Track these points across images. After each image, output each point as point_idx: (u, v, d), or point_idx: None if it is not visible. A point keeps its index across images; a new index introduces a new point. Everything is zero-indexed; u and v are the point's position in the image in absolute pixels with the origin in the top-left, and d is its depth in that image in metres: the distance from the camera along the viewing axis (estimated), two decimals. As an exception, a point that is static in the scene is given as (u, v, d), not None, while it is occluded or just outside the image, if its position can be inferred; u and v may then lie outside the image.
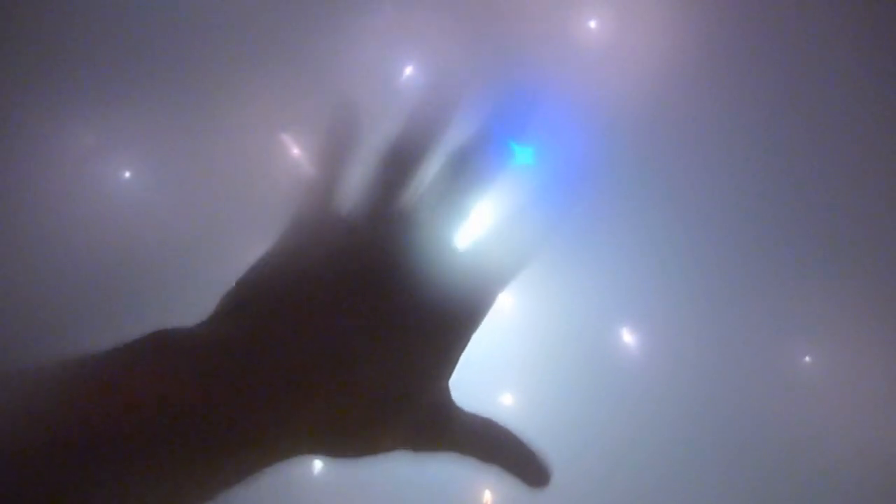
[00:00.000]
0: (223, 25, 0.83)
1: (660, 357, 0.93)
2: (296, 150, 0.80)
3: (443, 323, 0.35)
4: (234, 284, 0.34)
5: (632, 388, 0.93)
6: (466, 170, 0.38)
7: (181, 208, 0.82)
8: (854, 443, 0.90)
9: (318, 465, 0.92)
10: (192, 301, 0.84)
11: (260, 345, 0.31)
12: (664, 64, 0.91)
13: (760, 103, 0.91)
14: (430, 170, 0.39)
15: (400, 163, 0.38)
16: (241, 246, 0.71)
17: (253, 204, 0.73)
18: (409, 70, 0.78)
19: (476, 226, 0.39)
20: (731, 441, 0.92)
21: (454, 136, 0.40)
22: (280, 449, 0.31)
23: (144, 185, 0.82)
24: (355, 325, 0.33)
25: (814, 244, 0.89)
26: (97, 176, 0.82)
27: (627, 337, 0.93)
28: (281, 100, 0.79)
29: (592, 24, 0.90)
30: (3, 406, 0.26)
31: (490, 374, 0.92)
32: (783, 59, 0.90)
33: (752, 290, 0.90)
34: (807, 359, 0.90)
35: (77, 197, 0.82)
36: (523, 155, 0.40)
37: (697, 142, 0.94)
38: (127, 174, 0.79)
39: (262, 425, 0.30)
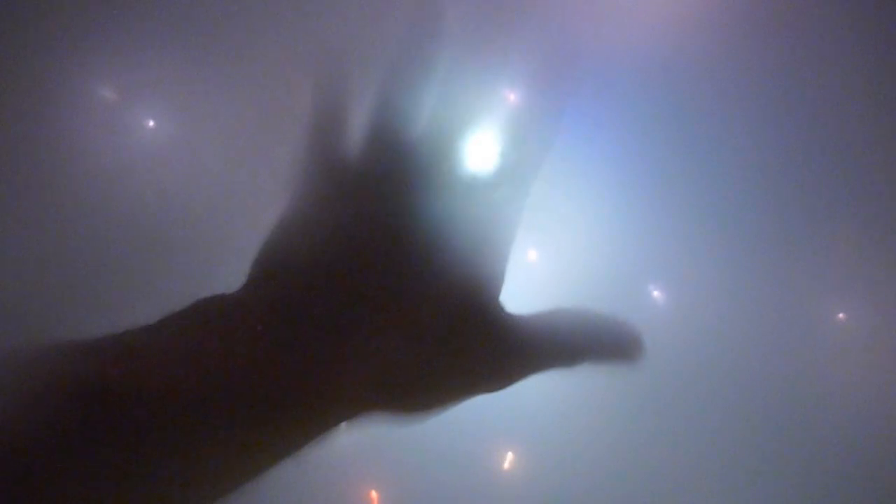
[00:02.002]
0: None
1: (688, 315, 0.92)
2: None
3: (477, 242, 0.34)
4: (262, 247, 0.33)
5: (660, 346, 0.92)
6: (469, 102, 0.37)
7: (206, 157, 0.81)
8: (890, 403, 0.88)
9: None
10: (219, 248, 0.83)
11: (305, 302, 0.31)
12: (694, 8, 0.89)
13: (798, 55, 0.90)
14: (432, 96, 0.37)
15: (398, 97, 0.37)
16: (268, 194, 0.70)
17: (279, 151, 0.72)
18: None
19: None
20: (762, 401, 0.91)
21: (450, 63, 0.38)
22: (343, 405, 0.30)
23: (169, 134, 0.81)
24: (395, 273, 0.32)
25: (846, 195, 0.88)
26: (121, 125, 0.82)
27: (656, 294, 0.91)
28: (310, 42, 0.78)
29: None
30: (57, 377, 0.26)
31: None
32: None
33: (783, 245, 0.89)
34: (840, 315, 0.89)
35: (101, 146, 0.81)
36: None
37: (728, 98, 0.92)
38: (151, 123, 0.78)
39: (324, 379, 0.29)
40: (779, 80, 0.90)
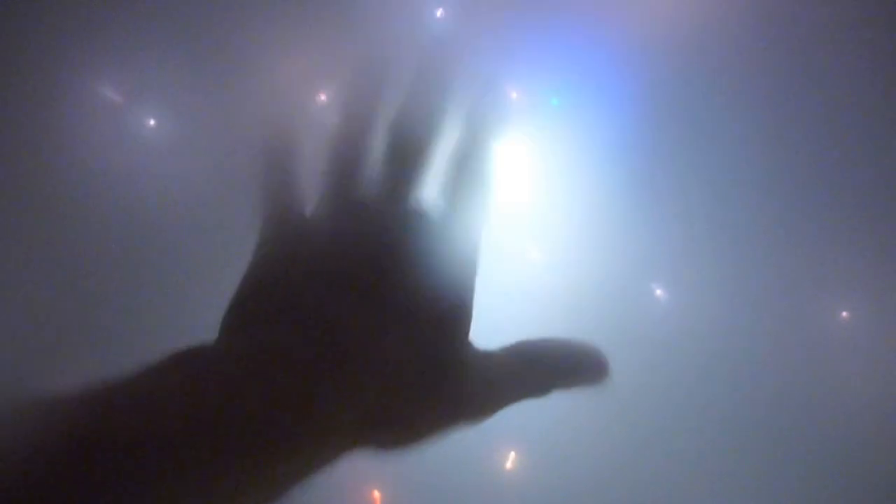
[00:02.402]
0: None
1: (691, 313, 0.92)
2: (322, 96, 0.79)
3: (448, 285, 0.35)
4: (234, 297, 0.34)
5: (663, 344, 0.92)
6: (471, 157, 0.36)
7: (205, 156, 0.81)
8: (893, 400, 0.88)
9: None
10: (219, 244, 0.84)
11: (280, 349, 0.31)
12: (705, 11, 0.89)
13: (801, 58, 0.89)
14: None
15: (354, 145, 0.36)
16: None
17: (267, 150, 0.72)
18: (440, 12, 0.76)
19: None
20: (765, 398, 0.90)
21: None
22: (329, 447, 0.31)
23: (169, 133, 0.81)
24: (372, 315, 0.32)
25: (850, 195, 0.87)
26: (123, 124, 0.82)
27: (659, 292, 0.91)
28: (306, 47, 0.78)
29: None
30: (34, 432, 0.26)
31: (521, 332, 0.91)
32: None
33: (787, 244, 0.89)
34: (843, 314, 0.88)
35: (103, 144, 0.81)
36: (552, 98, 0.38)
37: (732, 99, 0.92)
38: (152, 122, 0.78)
39: (304, 426, 0.29)
40: (783, 82, 0.89)
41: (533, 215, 0.92)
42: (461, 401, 0.33)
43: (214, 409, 0.28)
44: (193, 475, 0.27)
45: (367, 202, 0.34)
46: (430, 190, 0.35)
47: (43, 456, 0.25)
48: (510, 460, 0.98)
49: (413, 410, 0.31)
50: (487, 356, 0.34)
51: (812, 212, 0.89)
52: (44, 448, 0.25)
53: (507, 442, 0.99)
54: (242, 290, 0.33)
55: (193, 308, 0.86)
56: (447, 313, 0.33)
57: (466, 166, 0.35)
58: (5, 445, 0.25)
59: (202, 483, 0.27)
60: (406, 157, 0.35)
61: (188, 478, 0.26)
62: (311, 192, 0.35)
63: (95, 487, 0.25)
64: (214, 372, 0.30)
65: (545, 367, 0.35)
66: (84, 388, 0.28)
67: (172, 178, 0.80)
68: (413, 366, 0.31)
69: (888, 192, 0.87)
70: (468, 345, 0.34)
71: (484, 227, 0.36)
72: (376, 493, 0.95)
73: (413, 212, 0.34)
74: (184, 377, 0.29)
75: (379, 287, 0.32)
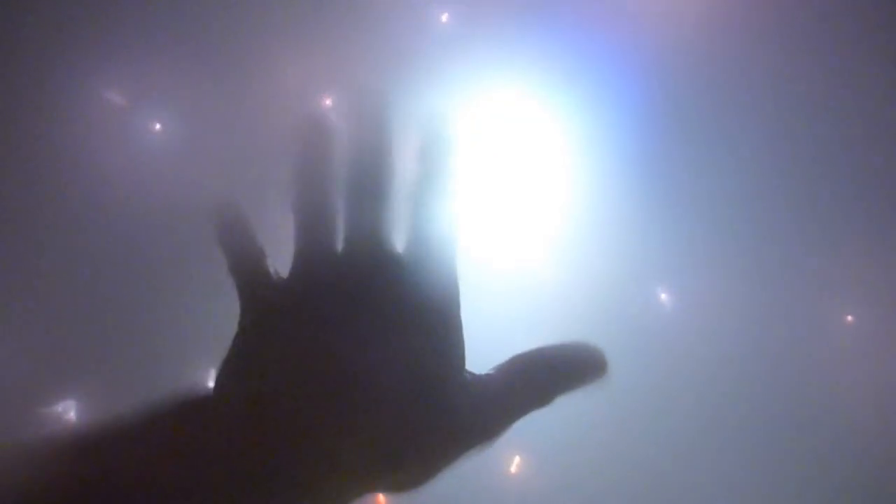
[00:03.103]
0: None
1: (696, 317, 0.91)
2: (327, 101, 0.79)
3: (435, 312, 0.35)
4: (228, 353, 0.34)
5: (668, 348, 0.91)
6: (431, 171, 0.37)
7: (210, 160, 0.81)
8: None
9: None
10: (219, 252, 0.83)
11: (281, 396, 0.31)
12: (707, 20, 0.89)
13: (802, 61, 0.89)
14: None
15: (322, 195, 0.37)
16: (269, 195, 0.70)
17: (278, 154, 0.72)
18: (445, 17, 0.77)
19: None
20: (770, 403, 0.90)
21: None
22: (332, 490, 0.31)
23: (174, 138, 0.81)
24: (361, 353, 0.33)
25: (854, 199, 0.87)
26: (128, 128, 0.82)
27: (664, 296, 0.91)
28: (311, 52, 0.78)
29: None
30: (33, 474, 0.27)
31: (529, 337, 0.91)
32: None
33: (791, 248, 0.88)
34: (849, 318, 0.88)
35: (109, 148, 0.81)
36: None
37: (736, 105, 0.92)
38: (157, 126, 0.78)
39: (307, 475, 0.30)
40: (787, 88, 0.89)
41: (539, 220, 0.92)
42: (466, 428, 0.33)
43: (209, 457, 0.28)
44: None
45: (337, 244, 0.35)
46: (395, 221, 0.35)
47: (41, 498, 0.25)
48: (515, 464, 0.98)
49: (420, 447, 0.31)
50: (483, 379, 0.34)
51: (817, 217, 0.89)
52: (42, 490, 0.25)
53: (512, 446, 0.99)
54: (232, 350, 0.33)
55: (199, 311, 0.86)
56: (437, 347, 0.33)
57: (425, 196, 0.35)
58: (4, 486, 0.25)
59: None
60: (367, 193, 0.35)
61: None
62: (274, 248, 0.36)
63: None
64: (213, 419, 0.30)
65: (543, 377, 0.35)
66: (83, 430, 0.28)
67: (177, 181, 0.81)
68: (411, 403, 0.31)
69: (892, 197, 0.87)
70: (464, 373, 0.34)
71: (455, 261, 0.36)
72: (381, 498, 0.94)
73: (385, 248, 0.34)
74: (183, 423, 0.29)
75: (365, 327, 0.32)
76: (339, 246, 0.35)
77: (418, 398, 0.32)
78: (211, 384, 0.32)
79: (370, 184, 0.35)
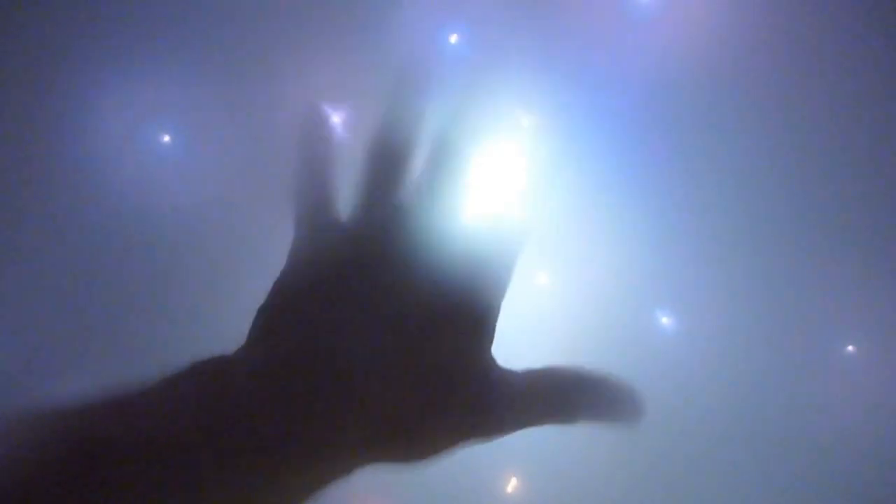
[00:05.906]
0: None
1: (697, 342, 0.91)
2: (336, 119, 0.79)
3: (467, 297, 0.35)
4: (259, 310, 0.34)
5: (668, 372, 0.92)
6: (452, 152, 0.37)
7: (219, 172, 0.81)
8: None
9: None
10: (227, 262, 0.84)
11: (296, 364, 0.32)
12: (709, 34, 0.89)
13: (808, 80, 0.90)
14: (419, 155, 0.37)
15: (389, 155, 0.37)
16: (278, 206, 0.71)
17: (288, 164, 0.72)
18: (454, 38, 0.77)
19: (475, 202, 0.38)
20: (771, 431, 0.90)
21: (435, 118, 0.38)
22: (340, 461, 0.31)
23: (183, 149, 0.82)
24: (382, 326, 0.33)
25: (857, 228, 0.87)
26: (137, 139, 0.82)
27: (665, 320, 0.91)
28: (321, 66, 0.79)
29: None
30: (55, 437, 0.27)
31: (527, 357, 0.90)
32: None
33: (793, 276, 0.89)
34: (850, 348, 0.88)
35: (118, 159, 0.82)
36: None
37: (740, 126, 0.92)
38: (166, 138, 0.78)
39: (317, 439, 0.30)
40: (792, 105, 0.90)
41: (540, 240, 0.93)
42: (475, 413, 0.33)
43: (225, 418, 0.28)
44: (203, 484, 0.27)
45: (389, 212, 0.35)
46: (465, 214, 0.35)
47: (57, 459, 0.25)
48: (511, 485, 0.98)
49: (424, 422, 0.31)
50: (512, 374, 0.34)
51: (819, 245, 0.89)
52: (58, 452, 0.26)
53: (508, 466, 0.99)
54: (270, 297, 0.34)
55: (205, 320, 0.86)
56: (467, 330, 0.33)
57: (441, 167, 0.35)
58: (21, 449, 0.26)
59: (213, 492, 0.27)
60: (392, 165, 0.35)
61: (198, 487, 0.27)
62: (345, 215, 0.36)
63: (107, 492, 0.25)
64: (226, 382, 0.30)
65: (579, 397, 0.35)
66: (100, 393, 0.28)
67: (186, 193, 0.81)
68: (424, 377, 0.31)
69: (894, 226, 0.87)
70: (488, 359, 0.34)
71: (515, 243, 0.36)
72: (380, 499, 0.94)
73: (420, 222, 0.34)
74: (197, 385, 0.30)
75: (387, 299, 0.32)
76: (390, 217, 0.34)
77: (437, 374, 0.32)
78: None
79: (397, 153, 0.35)
